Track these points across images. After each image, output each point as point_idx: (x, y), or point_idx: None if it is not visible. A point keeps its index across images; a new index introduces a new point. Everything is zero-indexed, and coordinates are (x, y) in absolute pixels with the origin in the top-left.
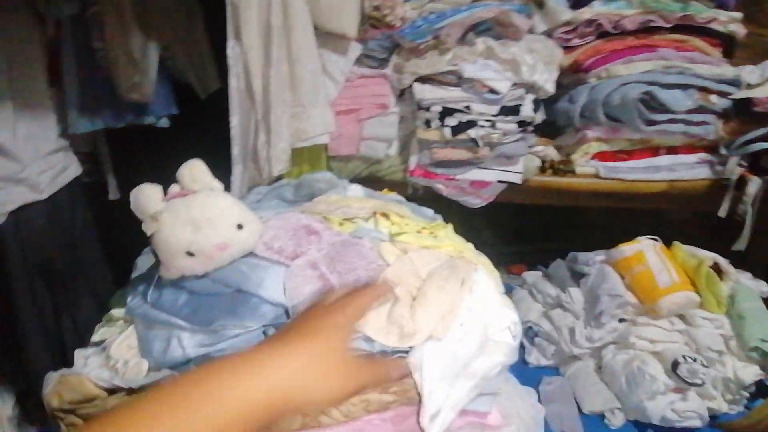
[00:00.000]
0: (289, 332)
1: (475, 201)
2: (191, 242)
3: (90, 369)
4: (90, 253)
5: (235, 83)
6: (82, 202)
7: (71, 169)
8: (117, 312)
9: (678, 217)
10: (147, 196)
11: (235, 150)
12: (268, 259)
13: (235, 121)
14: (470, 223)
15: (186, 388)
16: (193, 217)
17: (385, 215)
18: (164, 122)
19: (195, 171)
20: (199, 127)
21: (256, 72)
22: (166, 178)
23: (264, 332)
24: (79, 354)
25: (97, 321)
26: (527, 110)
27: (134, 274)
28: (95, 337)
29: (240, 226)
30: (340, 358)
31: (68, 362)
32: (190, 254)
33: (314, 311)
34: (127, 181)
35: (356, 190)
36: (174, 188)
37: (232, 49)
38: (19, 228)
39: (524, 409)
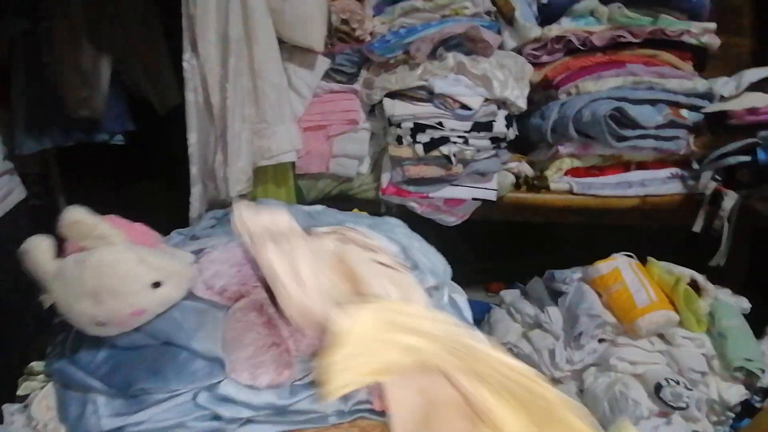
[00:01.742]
0: None
1: (450, 219)
2: (95, 315)
3: (15, 428)
4: (38, 285)
5: (192, 98)
6: (27, 227)
7: (16, 192)
8: (36, 365)
9: (650, 231)
10: (33, 259)
11: (194, 169)
12: (207, 301)
13: (193, 138)
14: (445, 240)
15: None
16: (88, 288)
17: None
18: (119, 139)
19: (79, 227)
20: (160, 145)
21: (213, 86)
22: (123, 199)
23: (194, 397)
24: (6, 410)
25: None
26: (500, 126)
27: (57, 319)
28: (20, 391)
29: (157, 284)
30: None
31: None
32: (101, 324)
33: None
34: (80, 203)
35: (319, 209)
36: (71, 243)
37: (188, 61)
38: None
39: None
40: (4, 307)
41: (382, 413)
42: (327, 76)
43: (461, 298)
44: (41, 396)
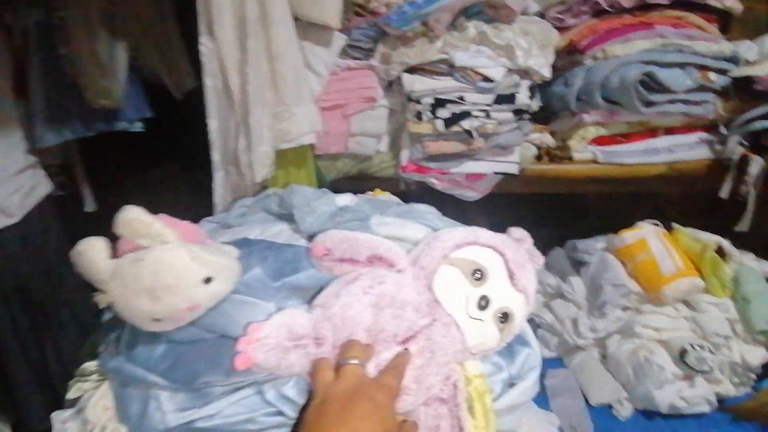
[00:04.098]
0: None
1: (471, 194)
2: (153, 311)
3: None
4: (69, 276)
5: (210, 83)
6: (56, 222)
7: (41, 187)
8: (89, 365)
9: (671, 196)
10: (88, 260)
11: (216, 156)
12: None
13: (213, 124)
14: (464, 213)
15: None
16: (145, 286)
17: None
18: (138, 126)
19: (135, 225)
20: (178, 130)
21: (232, 70)
22: (145, 184)
23: (258, 392)
24: (56, 418)
25: (81, 348)
26: (523, 98)
27: (105, 316)
28: (70, 394)
29: (208, 280)
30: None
31: (55, 391)
32: (157, 320)
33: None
34: (104, 190)
35: (347, 199)
36: (124, 242)
37: (205, 45)
38: None
39: None
40: (39, 302)
41: None
42: (343, 52)
43: None
44: (97, 397)
